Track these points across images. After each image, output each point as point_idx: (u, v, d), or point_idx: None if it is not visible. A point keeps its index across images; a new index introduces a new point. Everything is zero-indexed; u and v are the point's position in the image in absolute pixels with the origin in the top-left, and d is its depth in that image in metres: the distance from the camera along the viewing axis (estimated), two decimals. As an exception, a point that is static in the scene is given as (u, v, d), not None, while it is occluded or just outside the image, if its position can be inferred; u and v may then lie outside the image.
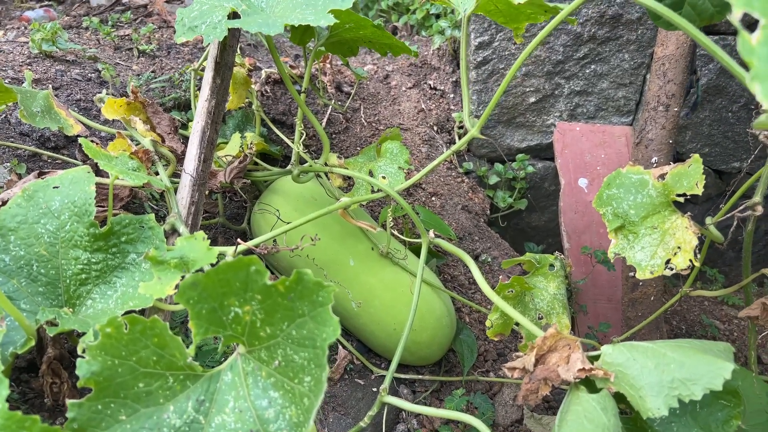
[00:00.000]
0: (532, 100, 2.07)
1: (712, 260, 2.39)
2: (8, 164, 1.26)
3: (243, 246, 0.90)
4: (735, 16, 0.46)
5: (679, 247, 0.99)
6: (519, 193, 2.12)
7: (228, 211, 1.57)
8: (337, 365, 1.38)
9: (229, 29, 1.04)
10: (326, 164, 1.25)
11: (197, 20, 1.08)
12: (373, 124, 2.07)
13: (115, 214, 1.18)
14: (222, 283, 0.70)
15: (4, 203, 0.98)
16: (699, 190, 0.99)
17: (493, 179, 2.09)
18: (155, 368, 0.73)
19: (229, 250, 0.91)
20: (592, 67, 2.03)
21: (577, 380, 0.88)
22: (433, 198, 1.93)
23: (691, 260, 0.95)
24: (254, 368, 0.76)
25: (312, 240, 1.07)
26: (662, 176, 1.04)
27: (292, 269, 1.39)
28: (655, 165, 1.64)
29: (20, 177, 1.24)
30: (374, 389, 1.38)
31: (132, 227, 0.92)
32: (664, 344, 0.91)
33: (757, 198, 1.05)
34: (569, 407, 0.87)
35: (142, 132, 1.09)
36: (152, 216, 0.92)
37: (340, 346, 1.41)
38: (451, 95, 2.23)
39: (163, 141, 1.14)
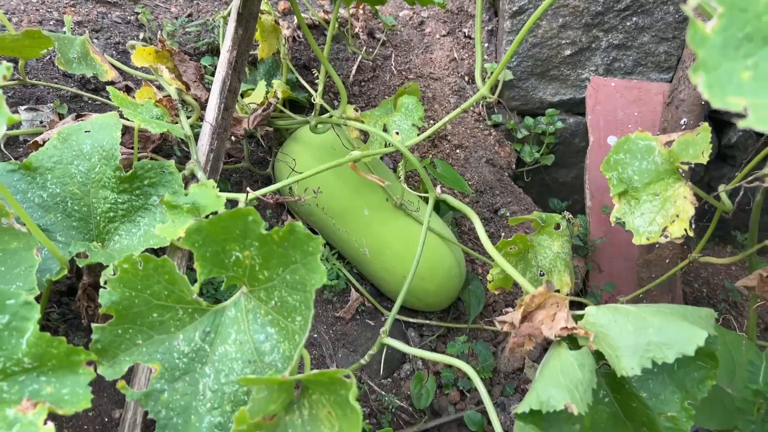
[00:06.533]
0: (568, 52, 2.02)
1: (745, 225, 2.33)
2: (51, 104, 1.36)
3: (252, 194, 0.97)
4: (690, 5, 0.47)
5: (677, 215, 1.00)
6: (547, 148, 2.10)
7: (254, 156, 1.64)
8: (350, 306, 1.48)
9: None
10: (343, 116, 1.29)
11: (220, -29, 1.11)
12: (403, 73, 2.07)
13: (150, 156, 1.27)
14: (223, 229, 0.77)
15: (44, 143, 1.07)
16: (704, 159, 0.99)
17: (522, 133, 2.08)
18: (167, 301, 0.82)
19: (241, 197, 0.98)
20: (634, 19, 1.95)
21: (559, 338, 0.93)
22: (458, 150, 1.95)
23: (686, 229, 0.96)
24: (254, 306, 0.84)
25: (314, 192, 1.13)
26: (669, 143, 1.04)
27: (310, 215, 1.47)
28: (684, 126, 1.60)
29: (61, 117, 1.33)
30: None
31: (154, 171, 1.00)
32: (648, 308, 0.94)
33: (767, 170, 1.04)
34: (548, 361, 0.93)
35: (168, 80, 1.15)
36: (172, 162, 1.00)
37: (353, 289, 1.50)
38: (486, 44, 2.20)
39: (188, 89, 1.20)
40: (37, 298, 0.80)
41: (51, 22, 1.64)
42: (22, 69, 1.31)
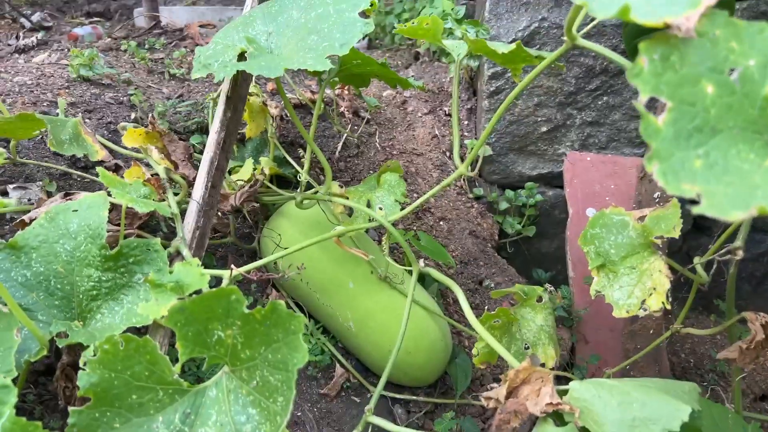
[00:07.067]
0: (544, 129, 2.11)
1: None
2: (40, 182, 1.38)
3: (237, 271, 0.98)
4: (641, 101, 0.51)
5: (654, 288, 1.02)
6: (528, 220, 2.15)
7: (240, 231, 1.66)
8: (334, 382, 1.45)
9: (238, 68, 1.13)
10: (328, 193, 1.32)
11: (211, 59, 1.18)
12: (387, 149, 2.14)
13: (136, 234, 1.28)
14: (206, 309, 0.78)
15: (31, 221, 1.09)
16: (676, 234, 1.03)
17: (503, 205, 2.13)
18: (147, 382, 0.81)
19: (225, 274, 0.99)
20: (605, 98, 2.06)
21: (544, 414, 0.92)
22: (441, 222, 1.99)
23: (663, 302, 0.98)
24: (236, 386, 0.83)
25: (298, 269, 1.15)
26: (642, 218, 1.08)
27: (295, 289, 1.47)
28: (657, 199, 1.66)
29: (50, 195, 1.35)
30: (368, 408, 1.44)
31: (139, 249, 1.01)
32: (631, 383, 0.95)
33: (739, 242, 1.07)
34: (534, 439, 0.92)
35: (157, 160, 1.19)
36: (158, 240, 1.01)
37: (338, 364, 1.48)
38: (466, 122, 2.29)
39: (177, 168, 1.23)
40: (14, 380, 0.78)
41: (45, 103, 1.70)
42: (13, 149, 1.34)
